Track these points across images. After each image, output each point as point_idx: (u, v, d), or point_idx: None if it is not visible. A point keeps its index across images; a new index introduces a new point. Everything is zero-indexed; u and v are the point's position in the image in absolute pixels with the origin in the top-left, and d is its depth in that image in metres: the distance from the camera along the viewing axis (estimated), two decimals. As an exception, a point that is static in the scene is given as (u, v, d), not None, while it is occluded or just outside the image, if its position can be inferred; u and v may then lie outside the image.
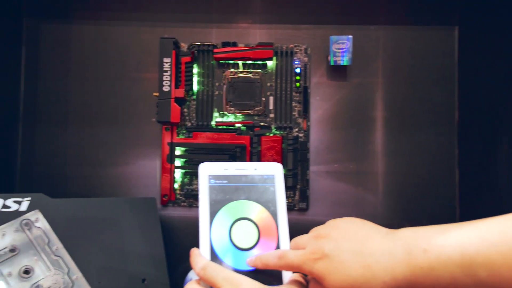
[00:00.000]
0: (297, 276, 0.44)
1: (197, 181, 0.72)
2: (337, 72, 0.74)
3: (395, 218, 0.71)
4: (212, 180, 0.47)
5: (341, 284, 0.37)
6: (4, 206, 0.58)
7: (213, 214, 0.46)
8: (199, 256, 0.43)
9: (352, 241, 0.39)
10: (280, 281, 0.44)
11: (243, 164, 0.48)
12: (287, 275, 0.44)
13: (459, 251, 0.34)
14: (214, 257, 0.44)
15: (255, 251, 0.45)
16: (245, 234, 0.45)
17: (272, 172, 0.48)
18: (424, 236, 0.37)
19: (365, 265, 0.37)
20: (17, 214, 0.57)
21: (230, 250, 0.45)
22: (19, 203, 0.59)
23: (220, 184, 0.47)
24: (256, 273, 0.43)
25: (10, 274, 0.51)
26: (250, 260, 0.44)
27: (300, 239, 0.43)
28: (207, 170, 0.47)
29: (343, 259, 0.38)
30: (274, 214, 0.46)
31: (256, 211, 0.46)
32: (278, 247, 0.45)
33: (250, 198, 0.47)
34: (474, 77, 0.70)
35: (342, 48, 0.71)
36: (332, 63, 0.71)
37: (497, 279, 0.33)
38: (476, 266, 0.34)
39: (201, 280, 0.42)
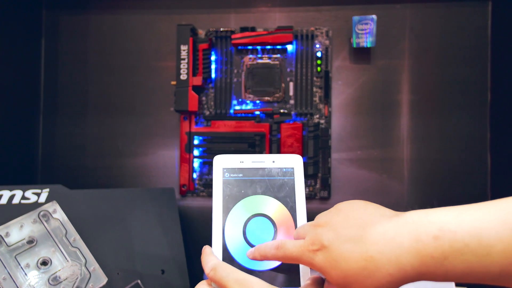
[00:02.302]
0: (315, 276, 0.40)
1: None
2: (361, 54, 0.71)
3: (422, 207, 0.68)
4: (226, 174, 0.44)
5: (344, 279, 0.34)
6: (24, 197, 0.58)
7: (227, 210, 0.43)
8: (210, 256, 0.41)
9: (353, 228, 0.35)
10: (297, 282, 0.41)
11: (260, 156, 0.45)
12: (305, 275, 0.41)
13: (476, 237, 0.30)
14: (227, 255, 0.41)
15: None
16: (260, 232, 0.43)
17: (292, 164, 0.45)
18: (435, 221, 0.32)
19: (367, 257, 0.33)
20: (36, 205, 0.57)
21: (244, 249, 0.42)
22: (38, 194, 0.59)
23: (235, 177, 0.44)
24: (271, 274, 0.41)
25: (28, 265, 0.52)
26: (249, 252, 0.41)
27: (302, 228, 0.39)
28: (222, 162, 0.44)
29: (343, 251, 0.34)
30: (292, 210, 0.43)
31: (273, 207, 0.43)
32: None
33: (267, 193, 0.44)
34: (508, 56, 0.65)
35: (365, 29, 0.67)
36: (355, 45, 0.68)
37: None
38: (496, 254, 0.29)
39: (211, 281, 0.40)
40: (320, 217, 0.39)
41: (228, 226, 0.43)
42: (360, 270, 0.33)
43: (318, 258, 0.35)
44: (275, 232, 0.43)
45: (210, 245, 0.42)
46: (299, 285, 0.41)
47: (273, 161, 0.45)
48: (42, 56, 0.76)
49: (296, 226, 0.43)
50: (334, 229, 0.36)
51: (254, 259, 0.41)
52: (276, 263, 0.42)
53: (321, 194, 0.70)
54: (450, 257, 0.31)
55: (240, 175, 0.44)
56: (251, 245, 0.42)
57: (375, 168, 0.70)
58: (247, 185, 0.44)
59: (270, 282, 0.38)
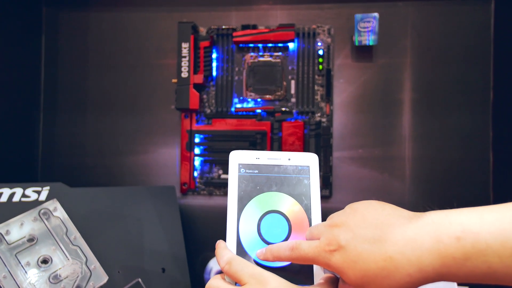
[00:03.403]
0: (329, 275, 0.40)
1: (217, 169, 0.71)
2: (362, 52, 0.71)
3: (423, 206, 0.68)
4: (242, 169, 0.44)
5: (362, 279, 0.34)
6: (24, 195, 0.58)
7: (242, 206, 0.43)
8: (225, 249, 0.41)
9: (371, 228, 0.34)
10: (311, 280, 0.41)
11: (276, 153, 0.45)
12: (318, 274, 0.41)
13: (500, 238, 0.30)
14: (241, 251, 0.41)
15: None
16: (275, 228, 0.42)
17: (307, 163, 0.45)
18: (457, 222, 0.32)
19: (386, 257, 0.33)
20: (36, 203, 0.57)
21: (258, 244, 0.42)
22: (38, 192, 0.59)
23: (251, 174, 0.44)
24: (285, 270, 0.41)
25: (28, 264, 0.51)
26: (260, 252, 0.40)
27: (316, 228, 0.39)
28: (238, 158, 0.44)
29: (361, 251, 0.34)
30: (307, 208, 0.43)
31: (288, 204, 0.43)
32: None
33: (282, 190, 0.44)
34: (511, 54, 0.65)
35: (367, 27, 0.67)
36: (357, 43, 0.67)
37: None
38: None
39: (226, 275, 0.39)
40: (334, 217, 0.38)
41: (243, 221, 0.42)
42: (379, 270, 0.33)
43: (335, 259, 0.35)
44: (289, 229, 0.43)
45: (224, 239, 0.42)
46: (313, 283, 0.40)
47: (289, 159, 0.45)
48: (42, 54, 0.76)
49: (310, 224, 0.43)
50: (351, 229, 0.35)
51: (266, 260, 0.40)
52: None
53: (323, 192, 0.69)
54: (472, 258, 0.31)
55: (256, 171, 0.44)
56: (265, 241, 0.42)
57: (376, 166, 0.69)
58: (263, 181, 0.44)
59: (283, 278, 0.38)
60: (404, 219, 0.35)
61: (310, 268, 0.41)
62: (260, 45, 0.71)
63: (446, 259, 0.31)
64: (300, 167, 0.45)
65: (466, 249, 0.31)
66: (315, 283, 0.40)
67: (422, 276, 0.32)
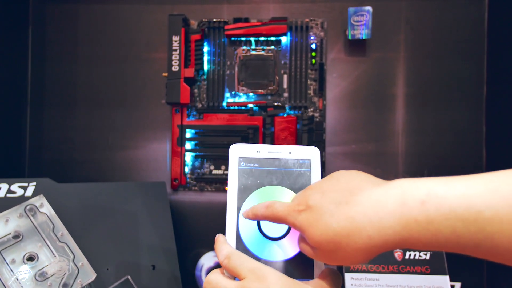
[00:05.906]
0: (329, 271, 0.40)
1: (209, 164, 0.70)
2: (356, 47, 0.70)
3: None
4: (242, 163, 0.44)
5: (320, 237, 0.34)
6: (10, 191, 0.57)
7: (241, 199, 0.42)
8: (224, 244, 0.40)
9: (340, 192, 0.35)
10: (311, 275, 0.40)
11: (277, 146, 0.45)
12: (318, 269, 0.40)
13: (464, 203, 0.30)
14: (241, 245, 0.41)
15: (285, 241, 0.41)
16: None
17: (309, 156, 0.44)
18: (423, 187, 0.32)
19: (348, 217, 0.33)
20: (22, 199, 0.56)
21: (258, 239, 0.41)
22: (24, 188, 0.58)
23: (251, 167, 0.44)
24: (285, 265, 0.41)
25: (13, 261, 0.50)
26: (245, 212, 0.41)
27: (297, 194, 0.40)
28: (238, 151, 0.44)
29: (325, 211, 0.34)
30: None
31: (289, 197, 0.42)
32: None
33: (283, 184, 0.43)
34: (505, 49, 0.64)
35: (361, 21, 0.66)
36: (350, 37, 0.66)
37: (508, 238, 0.28)
38: (483, 221, 0.29)
39: (224, 269, 0.39)
40: (313, 183, 0.40)
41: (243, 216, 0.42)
42: (339, 229, 0.33)
43: (301, 217, 0.36)
44: None
45: (223, 233, 0.42)
46: (313, 277, 0.40)
47: (290, 152, 0.45)
48: (29, 47, 0.74)
49: None
50: (322, 192, 0.36)
51: (248, 217, 0.41)
52: (291, 254, 0.41)
53: (315, 188, 0.69)
54: (435, 222, 0.30)
55: (256, 165, 0.44)
56: (265, 236, 0.42)
57: (369, 162, 0.69)
58: (263, 175, 0.44)
59: (283, 272, 0.37)
60: (373, 184, 0.35)
61: (310, 262, 0.41)
62: (252, 38, 0.70)
63: (408, 221, 0.31)
64: (301, 161, 0.44)
65: (429, 212, 0.31)
66: (315, 277, 0.40)
67: (382, 238, 0.32)
